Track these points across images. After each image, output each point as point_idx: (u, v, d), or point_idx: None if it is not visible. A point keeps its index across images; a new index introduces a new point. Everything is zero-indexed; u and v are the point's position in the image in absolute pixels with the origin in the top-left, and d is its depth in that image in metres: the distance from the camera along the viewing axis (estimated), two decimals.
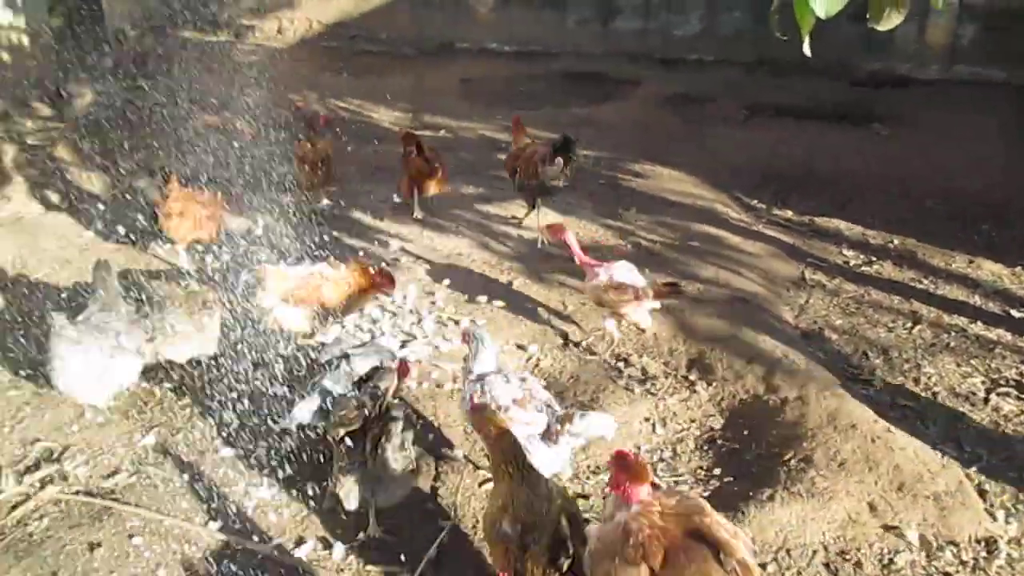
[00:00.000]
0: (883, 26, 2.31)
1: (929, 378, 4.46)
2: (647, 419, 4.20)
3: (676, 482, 3.81)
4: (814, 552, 3.33)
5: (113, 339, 3.96)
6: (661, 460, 3.95)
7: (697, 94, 9.11)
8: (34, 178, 7.16)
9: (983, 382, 4.43)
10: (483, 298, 5.18)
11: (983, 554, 3.34)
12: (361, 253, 5.79)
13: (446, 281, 5.40)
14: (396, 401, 3.53)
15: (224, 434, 4.00)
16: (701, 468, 3.92)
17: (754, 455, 3.96)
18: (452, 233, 6.13)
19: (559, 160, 5.59)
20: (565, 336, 4.86)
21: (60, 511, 3.54)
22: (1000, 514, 3.55)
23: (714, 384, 4.44)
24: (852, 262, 5.75)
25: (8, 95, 8.55)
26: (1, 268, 5.58)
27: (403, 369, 3.75)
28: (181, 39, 11.54)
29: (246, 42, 11.72)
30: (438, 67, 10.53)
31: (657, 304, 4.57)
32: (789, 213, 6.56)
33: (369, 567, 3.28)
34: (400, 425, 3.28)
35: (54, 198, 6.82)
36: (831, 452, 3.79)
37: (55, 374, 3.87)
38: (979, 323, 4.96)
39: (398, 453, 3.25)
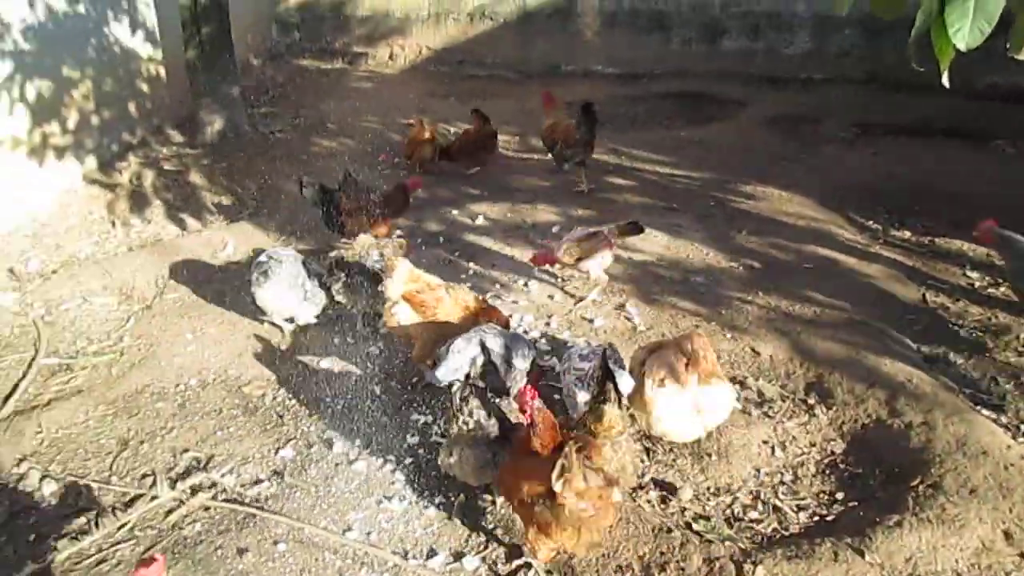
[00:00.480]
0: (1022, 55, 2.32)
1: None
2: (765, 442, 4.20)
3: (799, 507, 3.80)
4: None
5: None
6: (782, 483, 3.95)
7: (805, 114, 9.02)
8: (170, 201, 7.63)
9: None
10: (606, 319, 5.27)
11: None
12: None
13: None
14: None
15: (356, 448, 4.19)
16: (824, 492, 3.91)
17: (879, 481, 3.92)
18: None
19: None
20: None
21: (209, 517, 3.79)
22: None
23: (834, 408, 4.41)
24: (977, 284, 5.59)
25: (147, 124, 9.13)
26: (144, 287, 5.97)
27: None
28: (299, 67, 12.09)
29: (360, 69, 12.16)
30: (543, 90, 10.69)
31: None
32: (907, 234, 6.42)
33: (494, 569, 3.40)
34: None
35: (190, 221, 7.26)
36: (961, 478, 3.73)
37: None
38: None
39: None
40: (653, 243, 6.16)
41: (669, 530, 3.59)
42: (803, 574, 3.30)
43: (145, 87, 9.08)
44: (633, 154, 8.17)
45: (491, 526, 3.67)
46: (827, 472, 4.04)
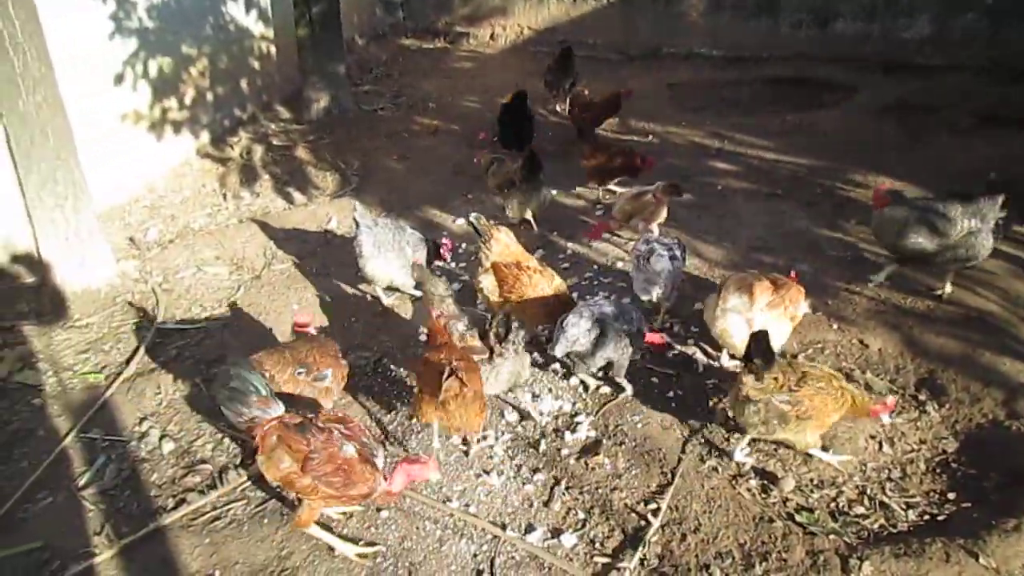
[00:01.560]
0: None
1: None
2: (872, 437, 4.09)
3: (907, 504, 3.69)
4: None
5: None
6: (889, 479, 3.84)
7: (920, 101, 8.62)
8: (278, 175, 7.88)
9: None
10: None
11: None
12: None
13: None
14: None
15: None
16: (934, 491, 3.78)
17: (994, 483, 3.77)
18: None
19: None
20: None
21: None
22: None
23: (947, 406, 4.25)
24: None
25: (257, 100, 9.42)
26: (253, 258, 6.19)
27: None
28: (402, 47, 12.26)
29: (461, 48, 12.25)
30: (645, 72, 10.59)
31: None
32: None
33: (597, 558, 3.42)
34: None
35: (296, 195, 7.48)
36: None
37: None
38: None
39: None
40: (756, 220, 6.05)
41: (771, 520, 3.54)
42: (912, 573, 3.21)
43: (257, 64, 9.37)
44: (736, 138, 8.01)
45: (589, 505, 3.68)
46: (938, 471, 3.90)
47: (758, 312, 4.23)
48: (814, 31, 10.30)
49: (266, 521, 3.69)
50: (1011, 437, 3.95)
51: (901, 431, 4.12)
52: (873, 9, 9.88)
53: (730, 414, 3.98)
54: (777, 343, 4.14)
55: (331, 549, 3.48)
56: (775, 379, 3.69)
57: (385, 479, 3.32)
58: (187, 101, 8.20)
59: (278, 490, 3.81)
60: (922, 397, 4.33)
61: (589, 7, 11.60)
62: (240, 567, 3.45)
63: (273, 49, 9.60)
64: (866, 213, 6.24)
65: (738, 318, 4.28)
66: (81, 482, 3.98)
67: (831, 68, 9.79)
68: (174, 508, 3.78)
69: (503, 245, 4.69)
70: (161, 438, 4.27)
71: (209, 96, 8.55)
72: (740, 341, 4.17)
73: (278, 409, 3.55)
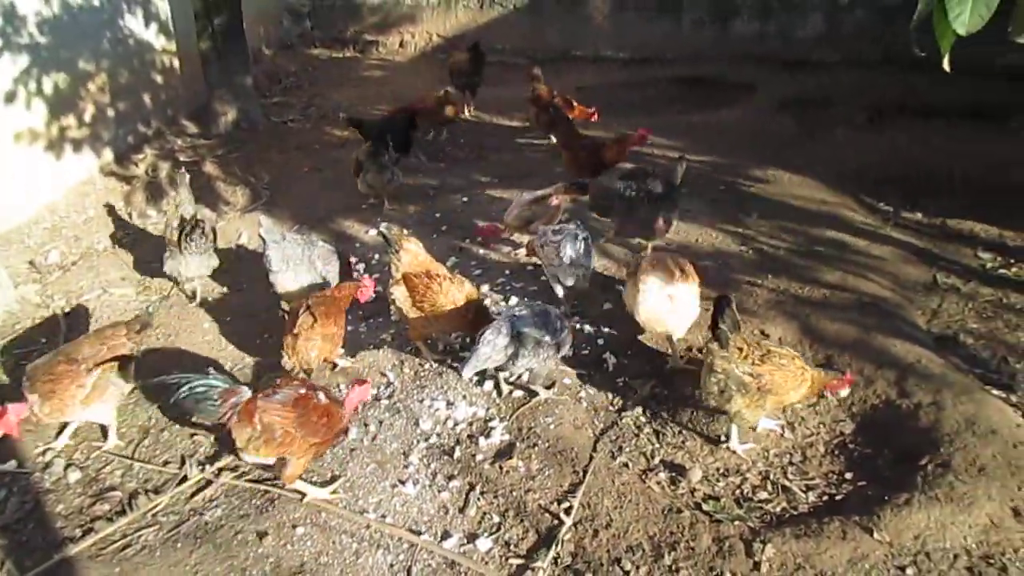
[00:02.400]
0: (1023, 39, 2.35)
1: None
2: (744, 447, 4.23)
3: (807, 486, 3.85)
4: (956, 556, 3.34)
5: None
6: (791, 464, 4.00)
7: (818, 97, 8.97)
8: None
9: None
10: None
11: None
12: None
13: None
14: None
15: (371, 437, 4.25)
16: (833, 472, 3.95)
17: (888, 460, 3.96)
18: None
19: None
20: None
21: (229, 503, 3.86)
22: None
23: None
24: (988, 265, 5.60)
25: (162, 115, 9.21)
26: (161, 277, 6.06)
27: None
28: (311, 57, 12.15)
29: (371, 57, 12.20)
30: (554, 76, 10.66)
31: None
32: (919, 215, 6.42)
33: (512, 560, 3.47)
34: None
35: (205, 211, 7.33)
36: (970, 457, 3.77)
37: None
38: None
39: None
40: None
41: (679, 510, 3.66)
42: (812, 552, 3.35)
43: (159, 78, 9.16)
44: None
45: (504, 508, 3.74)
46: (836, 452, 4.08)
47: (678, 286, 4.39)
48: (714, 30, 10.61)
49: (179, 545, 3.62)
50: (902, 415, 4.15)
51: (801, 416, 4.30)
52: (769, 8, 10.22)
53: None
54: (694, 314, 4.46)
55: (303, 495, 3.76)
56: (739, 349, 3.86)
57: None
58: (86, 118, 7.96)
59: (196, 514, 3.76)
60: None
61: (496, 12, 11.69)
62: None
63: (176, 63, 9.39)
64: (767, 207, 6.50)
65: (659, 295, 4.41)
66: None
67: (731, 67, 10.08)
68: (81, 538, 3.68)
69: (412, 255, 4.71)
70: (67, 467, 4.16)
71: (110, 112, 8.32)
72: (666, 318, 4.43)
73: (246, 391, 3.73)
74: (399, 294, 4.70)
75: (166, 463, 4.18)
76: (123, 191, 7.77)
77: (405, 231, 4.91)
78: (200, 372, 4.55)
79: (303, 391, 3.76)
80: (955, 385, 4.22)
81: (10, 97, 7.07)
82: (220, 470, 4.07)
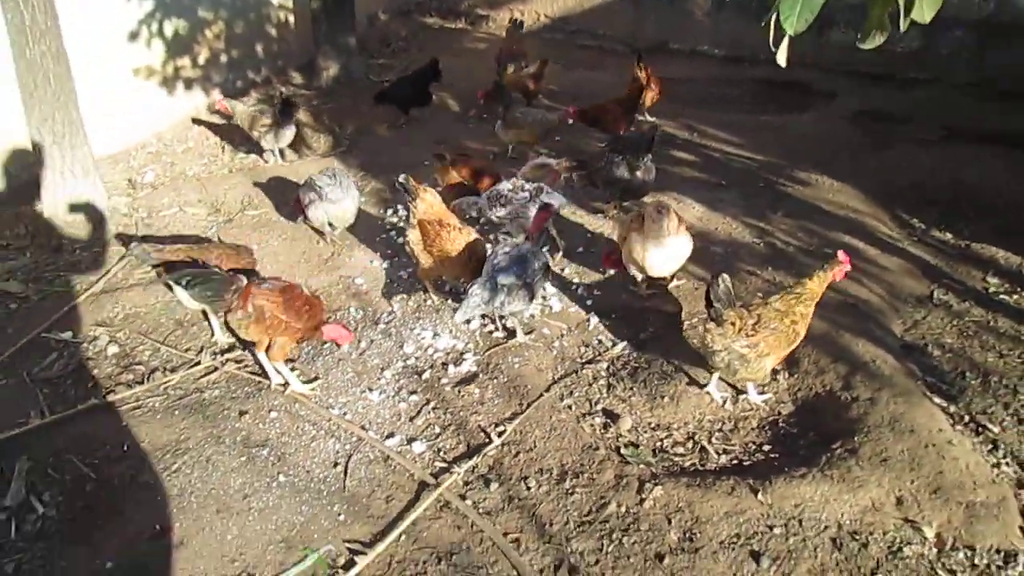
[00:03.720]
0: (867, 45, 2.67)
1: (1022, 405, 4.45)
2: (721, 395, 4.57)
3: (724, 450, 4.19)
4: (825, 527, 3.61)
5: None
6: (720, 431, 4.33)
7: (897, 111, 8.94)
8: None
9: None
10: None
11: (997, 563, 3.47)
12: None
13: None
14: None
15: (359, 352, 4.86)
16: (753, 443, 4.26)
17: (809, 442, 4.23)
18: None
19: None
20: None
21: (227, 386, 4.56)
22: None
23: (796, 376, 4.71)
24: (992, 289, 5.64)
25: (272, 65, 10.11)
26: (231, 203, 6.86)
27: None
28: (424, 24, 12.86)
29: (479, 30, 12.79)
30: (647, 65, 10.99)
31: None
32: (949, 236, 6.45)
33: (437, 463, 4.00)
34: None
35: (288, 152, 8.12)
36: (879, 448, 4.00)
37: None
38: None
39: None
40: (690, 213, 6.49)
41: (596, 448, 4.08)
42: (695, 499, 3.72)
43: (273, 32, 10.05)
44: (707, 132, 8.44)
45: (447, 423, 4.26)
46: (766, 428, 4.38)
47: (673, 235, 4.93)
48: (810, 37, 10.49)
49: (176, 414, 4.33)
50: (838, 406, 4.39)
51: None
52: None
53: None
54: (685, 256, 5.09)
55: (284, 385, 4.46)
56: (733, 324, 4.20)
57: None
58: (200, 61, 8.90)
59: (198, 391, 4.47)
60: (779, 368, 4.79)
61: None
62: (146, 444, 4.10)
63: (291, 18, 10.27)
64: (796, 207, 6.71)
65: (666, 246, 4.96)
66: (33, 372, 4.68)
67: (819, 74, 10.10)
68: (104, 396, 4.45)
69: (428, 204, 5.24)
70: (108, 343, 4.95)
71: (223, 58, 9.25)
72: (663, 268, 5.08)
73: (243, 279, 4.38)
74: (413, 237, 5.25)
75: (187, 350, 4.91)
76: (222, 128, 8.65)
77: (424, 184, 5.44)
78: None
79: (289, 283, 4.43)
80: (897, 387, 4.42)
81: (133, 36, 8.05)
82: (227, 360, 4.76)
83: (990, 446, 4.17)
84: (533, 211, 5.54)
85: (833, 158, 7.72)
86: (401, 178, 5.32)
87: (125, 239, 6.16)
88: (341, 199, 5.85)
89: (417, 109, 8.82)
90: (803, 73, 10.22)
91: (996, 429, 4.28)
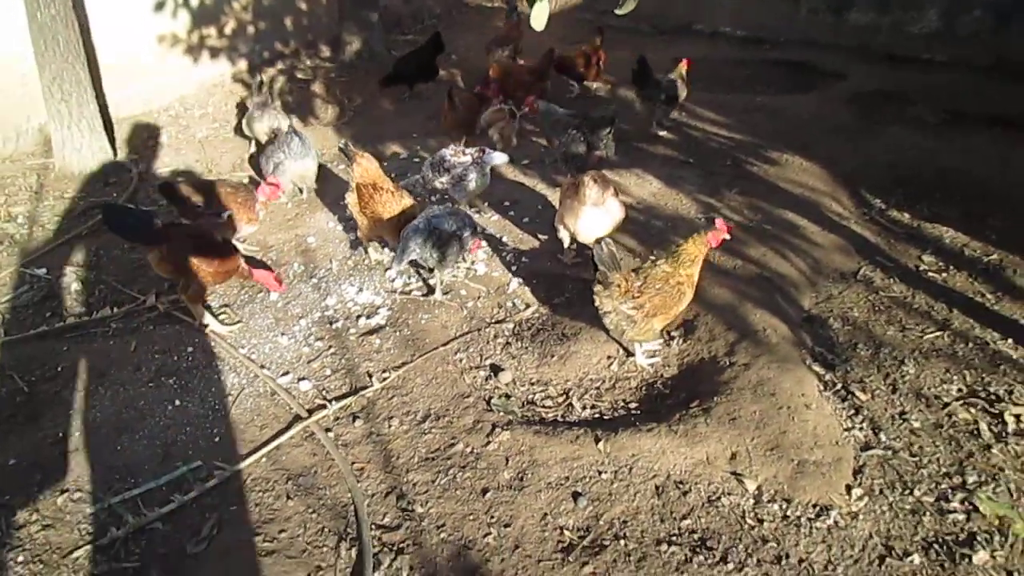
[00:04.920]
0: (622, 11, 2.90)
1: (903, 376, 4.51)
2: (609, 357, 4.80)
3: (590, 406, 4.44)
4: (654, 476, 3.85)
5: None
6: (595, 389, 4.57)
7: (901, 93, 8.81)
8: (288, 104, 9.06)
9: (959, 389, 4.40)
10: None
11: (809, 515, 3.64)
12: None
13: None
14: None
15: (285, 301, 5.29)
16: (623, 401, 4.50)
17: (676, 401, 4.44)
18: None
19: None
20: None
21: (161, 324, 5.05)
22: (858, 492, 3.77)
23: (689, 342, 4.89)
24: (923, 267, 5.66)
25: (300, 38, 10.64)
26: (225, 165, 7.39)
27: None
28: (460, 3, 13.20)
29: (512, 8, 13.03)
30: (666, 47, 11.08)
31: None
32: (906, 216, 6.42)
33: (317, 400, 4.39)
34: None
35: (295, 120, 8.59)
36: (732, 409, 4.19)
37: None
38: (1010, 340, 4.80)
39: None
40: (646, 188, 6.68)
41: (467, 396, 4.39)
42: (538, 444, 3.99)
43: (304, 5, 10.57)
44: (697, 112, 8.52)
45: (339, 367, 4.65)
46: (642, 389, 4.60)
47: (610, 201, 5.25)
48: (830, 18, 10.51)
49: (111, 343, 4.85)
50: (715, 370, 4.57)
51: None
52: (885, 2, 10.00)
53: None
54: (612, 223, 5.26)
55: (204, 325, 4.93)
56: (619, 287, 4.44)
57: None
58: (227, 31, 9.47)
59: (145, 323, 4.99)
60: (675, 335, 4.99)
61: None
62: (77, 368, 4.62)
63: None
64: (752, 186, 6.80)
65: (595, 210, 5.22)
66: (3, 299, 5.29)
67: (834, 55, 10.02)
68: (55, 325, 5.01)
69: (363, 168, 5.59)
70: (73, 280, 5.52)
71: (250, 29, 9.81)
72: (595, 231, 5.26)
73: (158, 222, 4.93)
74: (350, 200, 5.63)
75: (140, 291, 5.43)
76: (242, 95, 9.22)
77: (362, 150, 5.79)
78: None
79: (203, 230, 4.90)
80: (776, 353, 4.56)
81: (159, 6, 8.66)
82: (168, 301, 5.25)
83: (852, 411, 4.28)
84: (473, 175, 5.87)
85: (813, 139, 7.72)
86: (341, 143, 5.69)
87: (121, 191, 6.76)
88: (304, 156, 6.29)
89: (423, 84, 9.16)
90: (816, 54, 10.17)
91: (865, 397, 4.38)
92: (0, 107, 7.16)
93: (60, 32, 6.66)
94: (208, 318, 4.94)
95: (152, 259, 4.82)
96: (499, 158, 6.14)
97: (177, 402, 4.35)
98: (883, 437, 4.11)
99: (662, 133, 7.96)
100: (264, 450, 3.98)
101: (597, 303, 4.50)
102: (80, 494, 3.77)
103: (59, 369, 4.63)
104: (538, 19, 3.06)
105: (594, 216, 5.27)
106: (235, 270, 4.87)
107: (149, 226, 4.76)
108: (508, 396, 4.46)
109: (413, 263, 5.30)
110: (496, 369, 4.66)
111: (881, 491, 3.78)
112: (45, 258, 5.79)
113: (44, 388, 4.50)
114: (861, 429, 4.17)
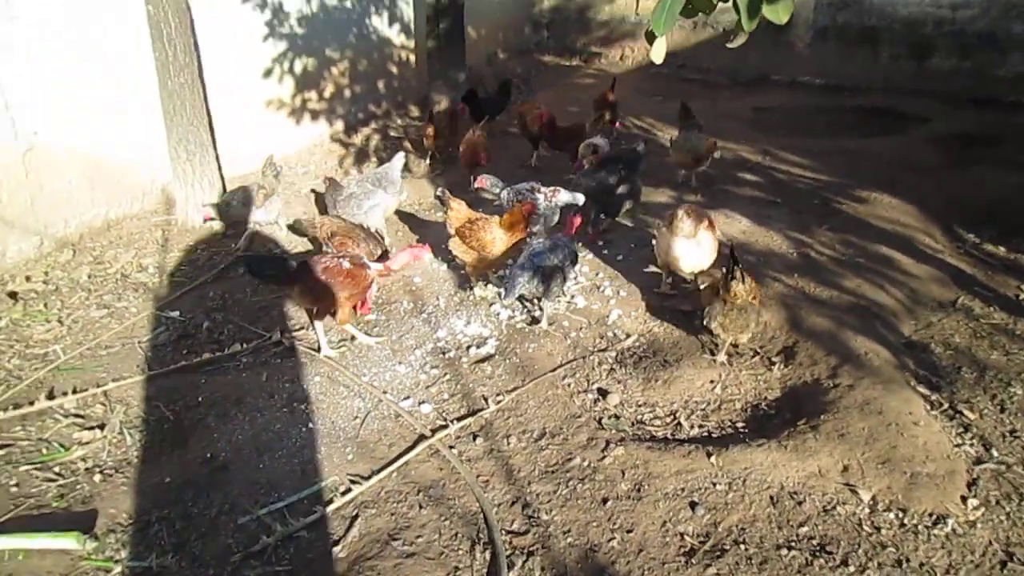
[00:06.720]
0: (733, 44, 3.17)
1: (1011, 397, 4.59)
2: (712, 381, 4.97)
3: (698, 425, 4.61)
4: (767, 487, 3.98)
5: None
6: (701, 409, 4.75)
7: (986, 135, 8.88)
8: (383, 159, 9.55)
9: None
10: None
11: (926, 523, 3.73)
12: None
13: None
14: None
15: (399, 336, 5.61)
16: (729, 421, 4.65)
17: (782, 420, 4.58)
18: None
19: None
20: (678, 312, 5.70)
21: (287, 355, 5.41)
22: (974, 502, 3.84)
23: (790, 367, 5.04)
24: (1023, 297, 5.70)
25: (392, 99, 11.26)
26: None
27: None
28: (540, 62, 13.75)
29: (592, 67, 13.54)
30: (743, 96, 11.37)
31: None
32: (1001, 250, 6.48)
33: (439, 421, 4.66)
34: None
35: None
36: (840, 426, 4.31)
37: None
38: None
39: None
40: (735, 227, 6.89)
41: (579, 416, 4.61)
42: (651, 458, 4.17)
43: (395, 69, 11.20)
44: (779, 155, 8.74)
45: (456, 392, 4.92)
46: (747, 410, 4.75)
47: (703, 234, 5.45)
48: (910, 64, 10.68)
49: (243, 375, 5.21)
50: (820, 392, 4.71)
51: (740, 380, 4.99)
52: (967, 46, 10.12)
53: (714, 328, 4.94)
54: (712, 257, 5.53)
55: (352, 338, 5.44)
56: (749, 286, 4.81)
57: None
58: (326, 95, 10.11)
59: (273, 356, 5.37)
60: (776, 360, 5.14)
61: (707, 34, 12.53)
62: (215, 397, 4.99)
63: (412, 57, 11.41)
64: (844, 223, 6.94)
65: (688, 243, 5.47)
66: (144, 339, 5.74)
67: (917, 100, 10.15)
68: (191, 360, 5.42)
69: (455, 211, 5.95)
70: (204, 321, 5.95)
71: (347, 92, 10.44)
72: (689, 262, 5.51)
73: (293, 262, 5.31)
74: (453, 245, 5.98)
75: (265, 329, 5.82)
76: (340, 154, 9.79)
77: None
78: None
79: (330, 263, 5.23)
80: (880, 376, 4.68)
81: (267, 73, 9.33)
82: (291, 336, 5.63)
83: (961, 429, 4.36)
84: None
85: (900, 178, 7.85)
86: (439, 191, 6.08)
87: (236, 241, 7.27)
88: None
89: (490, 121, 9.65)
90: (897, 100, 10.30)
91: (973, 416, 4.46)
92: (129, 171, 7.78)
93: (187, 98, 7.26)
94: (358, 333, 5.45)
95: (295, 296, 5.22)
96: (566, 197, 6.51)
97: (310, 425, 4.66)
98: (995, 452, 4.17)
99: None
100: (394, 465, 4.24)
101: (740, 301, 4.80)
102: (230, 507, 4.07)
103: (199, 399, 4.99)
104: (657, 53, 3.33)
105: (687, 249, 5.49)
106: (369, 285, 5.32)
107: (285, 268, 5.18)
108: (617, 417, 4.66)
109: (519, 296, 5.57)
110: (603, 392, 4.87)
111: (997, 502, 3.84)
112: (176, 302, 6.24)
113: (188, 415, 4.86)
114: (972, 445, 4.24)
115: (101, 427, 4.70)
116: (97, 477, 4.32)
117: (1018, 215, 6.99)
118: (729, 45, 3.34)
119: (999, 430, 4.34)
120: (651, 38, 3.24)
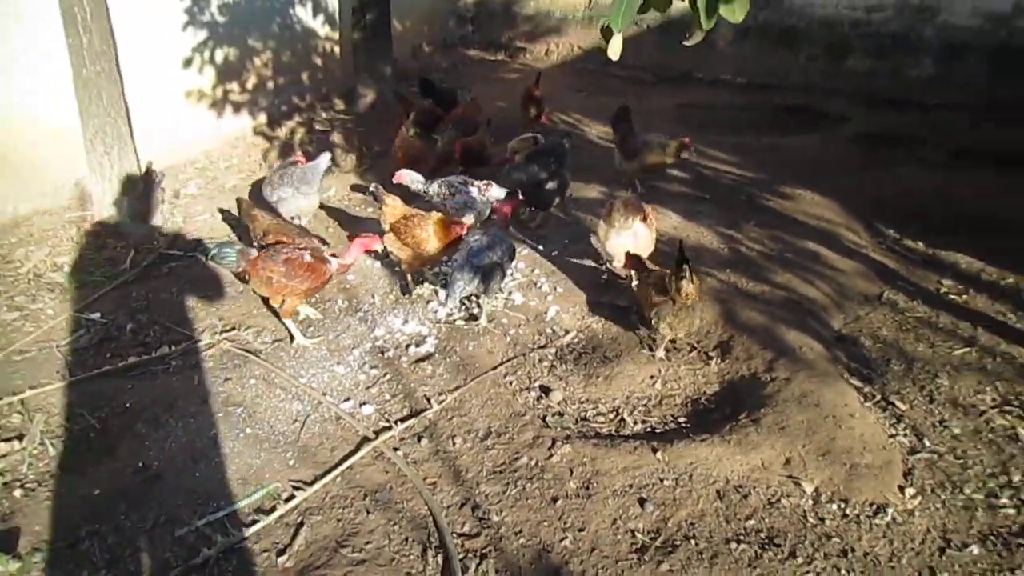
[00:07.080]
0: (690, 42, 3.18)
1: (938, 388, 4.77)
2: (652, 377, 5.02)
3: (641, 420, 4.64)
4: (713, 481, 4.04)
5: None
6: (643, 406, 4.78)
7: (906, 135, 9.22)
8: (309, 153, 9.29)
9: (993, 399, 4.66)
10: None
11: (867, 513, 3.84)
12: None
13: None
14: None
15: (336, 334, 5.49)
16: (671, 416, 4.70)
17: (722, 415, 4.65)
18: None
19: None
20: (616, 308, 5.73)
21: (220, 358, 5.23)
22: (911, 491, 3.97)
23: (727, 361, 5.12)
24: (943, 290, 5.93)
25: (316, 91, 11.01)
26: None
27: None
28: (465, 56, 13.67)
29: (517, 61, 13.52)
30: (668, 93, 11.52)
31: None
32: (921, 245, 6.72)
33: (382, 423, 4.57)
34: None
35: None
36: (780, 419, 4.40)
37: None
38: None
39: None
40: (666, 222, 6.95)
41: (523, 415, 4.58)
42: (598, 455, 4.18)
43: (319, 61, 10.95)
44: (708, 154, 8.87)
45: (398, 392, 4.83)
46: (687, 405, 4.81)
47: (638, 226, 5.58)
48: (828, 64, 10.99)
49: (173, 380, 5.00)
50: (758, 386, 4.79)
51: (679, 375, 5.04)
52: (883, 47, 10.49)
53: (662, 328, 4.98)
54: (649, 248, 5.64)
55: (292, 338, 5.32)
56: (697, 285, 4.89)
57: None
58: (248, 86, 9.81)
59: (196, 363, 5.16)
60: (712, 354, 5.22)
61: (632, 31, 12.64)
62: (143, 402, 4.78)
63: (337, 49, 11.17)
64: (770, 218, 7.10)
65: (625, 234, 5.62)
66: (63, 343, 5.45)
67: (836, 100, 10.47)
68: (116, 364, 5.17)
69: (391, 207, 5.85)
70: (128, 322, 5.69)
71: (270, 84, 10.16)
72: (617, 249, 5.70)
73: (253, 251, 5.28)
74: (388, 241, 5.87)
75: (194, 330, 5.61)
76: (264, 148, 9.51)
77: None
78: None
79: (291, 253, 5.18)
80: (815, 368, 4.80)
81: (187, 63, 8.99)
82: (223, 338, 5.44)
83: (894, 420, 4.51)
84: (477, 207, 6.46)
85: (823, 175, 8.07)
86: (371, 187, 5.98)
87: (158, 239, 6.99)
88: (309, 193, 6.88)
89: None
90: (815, 99, 10.61)
91: (904, 406, 4.62)
92: (38, 164, 7.39)
93: (104, 87, 6.93)
94: (294, 330, 5.33)
95: (252, 283, 5.29)
96: (499, 192, 6.54)
97: (248, 430, 4.50)
98: (927, 442, 4.33)
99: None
100: (338, 470, 4.14)
101: (690, 297, 4.87)
102: (165, 519, 3.90)
103: (127, 405, 4.77)
104: (614, 50, 3.32)
105: (624, 241, 5.56)
106: (327, 280, 5.28)
107: (246, 256, 5.24)
108: (561, 414, 4.65)
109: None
110: (546, 390, 4.86)
111: (933, 490, 3.99)
112: (96, 303, 5.95)
113: (115, 423, 4.64)
114: (905, 435, 4.39)
115: (19, 438, 4.45)
116: (18, 492, 4.10)
117: (935, 211, 7.27)
118: (686, 43, 3.33)
119: (929, 420, 4.50)
120: (608, 34, 3.21)
